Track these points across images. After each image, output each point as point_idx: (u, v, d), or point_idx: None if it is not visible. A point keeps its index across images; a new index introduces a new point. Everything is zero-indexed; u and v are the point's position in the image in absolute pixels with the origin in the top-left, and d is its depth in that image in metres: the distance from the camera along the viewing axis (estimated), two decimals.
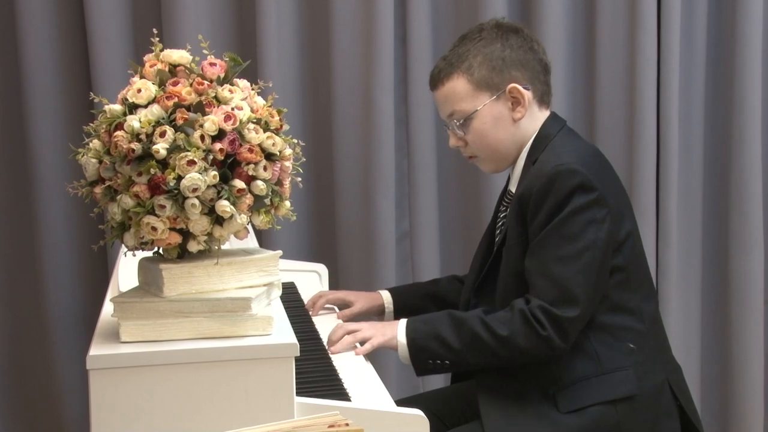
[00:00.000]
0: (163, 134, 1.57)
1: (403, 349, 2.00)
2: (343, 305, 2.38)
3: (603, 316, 1.99)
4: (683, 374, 2.14)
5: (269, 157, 1.63)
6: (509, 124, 2.09)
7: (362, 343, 2.03)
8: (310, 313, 2.33)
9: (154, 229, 1.58)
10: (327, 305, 2.39)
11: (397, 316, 2.34)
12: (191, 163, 1.55)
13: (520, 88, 2.07)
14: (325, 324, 2.22)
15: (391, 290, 2.40)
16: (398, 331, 2.01)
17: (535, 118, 2.10)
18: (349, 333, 2.05)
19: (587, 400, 1.97)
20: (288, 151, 1.67)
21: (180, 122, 1.58)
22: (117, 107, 1.62)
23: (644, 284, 2.08)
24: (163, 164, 1.56)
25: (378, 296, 2.37)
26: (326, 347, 2.06)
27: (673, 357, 2.14)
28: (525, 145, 2.09)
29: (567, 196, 1.93)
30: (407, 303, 2.36)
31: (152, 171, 1.55)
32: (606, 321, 1.99)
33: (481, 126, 2.09)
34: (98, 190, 1.63)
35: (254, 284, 1.68)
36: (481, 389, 2.04)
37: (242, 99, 1.65)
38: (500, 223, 2.15)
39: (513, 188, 2.11)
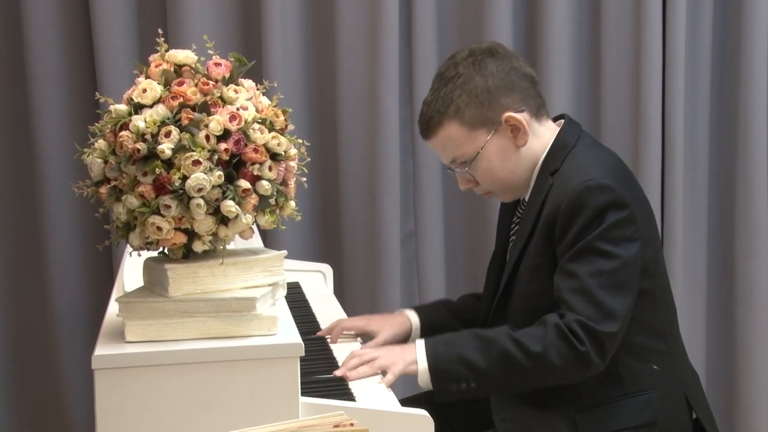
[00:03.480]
0: (168, 134, 1.57)
1: (423, 374, 1.87)
2: (365, 335, 2.15)
3: (631, 337, 1.93)
4: (700, 381, 2.11)
5: (274, 157, 1.63)
6: (514, 152, 1.99)
7: (382, 371, 1.88)
8: (328, 339, 2.12)
9: (159, 229, 1.58)
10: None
11: (423, 336, 2.10)
12: (196, 163, 1.55)
13: (515, 114, 1.97)
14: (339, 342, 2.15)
15: (417, 309, 2.21)
16: (418, 354, 1.88)
17: (539, 135, 2.01)
18: (364, 362, 1.89)
19: (610, 425, 1.93)
20: (293, 151, 1.67)
21: (185, 122, 1.58)
22: (122, 107, 1.62)
23: (668, 303, 2.05)
24: (169, 164, 1.56)
25: (404, 320, 2.16)
26: (343, 376, 1.88)
27: (689, 364, 2.11)
28: (538, 161, 2.01)
29: (600, 213, 1.86)
30: (432, 321, 2.18)
31: (157, 171, 1.55)
32: (633, 342, 1.94)
33: (487, 164, 2.00)
34: (103, 190, 1.64)
35: (259, 284, 1.68)
36: (499, 412, 2.00)
37: (247, 99, 1.65)
38: (513, 235, 2.08)
39: (526, 198, 2.04)
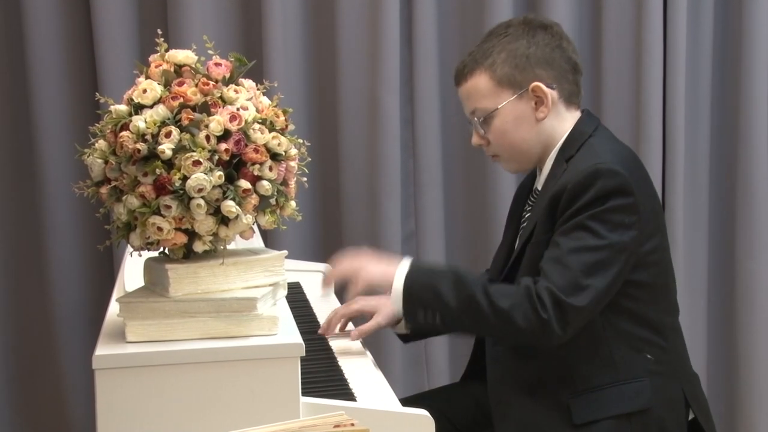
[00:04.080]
0: (168, 134, 1.57)
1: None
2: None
3: (625, 326, 1.95)
4: (700, 383, 2.12)
5: (275, 157, 1.63)
6: (532, 123, 2.01)
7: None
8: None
9: (159, 229, 1.58)
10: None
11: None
12: (197, 163, 1.55)
13: (544, 87, 1.99)
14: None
15: None
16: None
17: (562, 119, 2.03)
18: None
19: (602, 411, 1.94)
20: (293, 151, 1.67)
21: (185, 122, 1.58)
22: (123, 108, 1.62)
23: (669, 299, 2.05)
24: (169, 164, 1.56)
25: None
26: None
27: (691, 367, 2.11)
28: (553, 146, 2.02)
29: (604, 196, 1.87)
30: None
31: (158, 171, 1.55)
32: (627, 331, 1.95)
33: (502, 125, 2.02)
34: (104, 190, 1.63)
35: (260, 284, 1.68)
36: (496, 405, 2.02)
37: (248, 99, 1.65)
38: (524, 222, 2.09)
39: (539, 186, 2.05)
